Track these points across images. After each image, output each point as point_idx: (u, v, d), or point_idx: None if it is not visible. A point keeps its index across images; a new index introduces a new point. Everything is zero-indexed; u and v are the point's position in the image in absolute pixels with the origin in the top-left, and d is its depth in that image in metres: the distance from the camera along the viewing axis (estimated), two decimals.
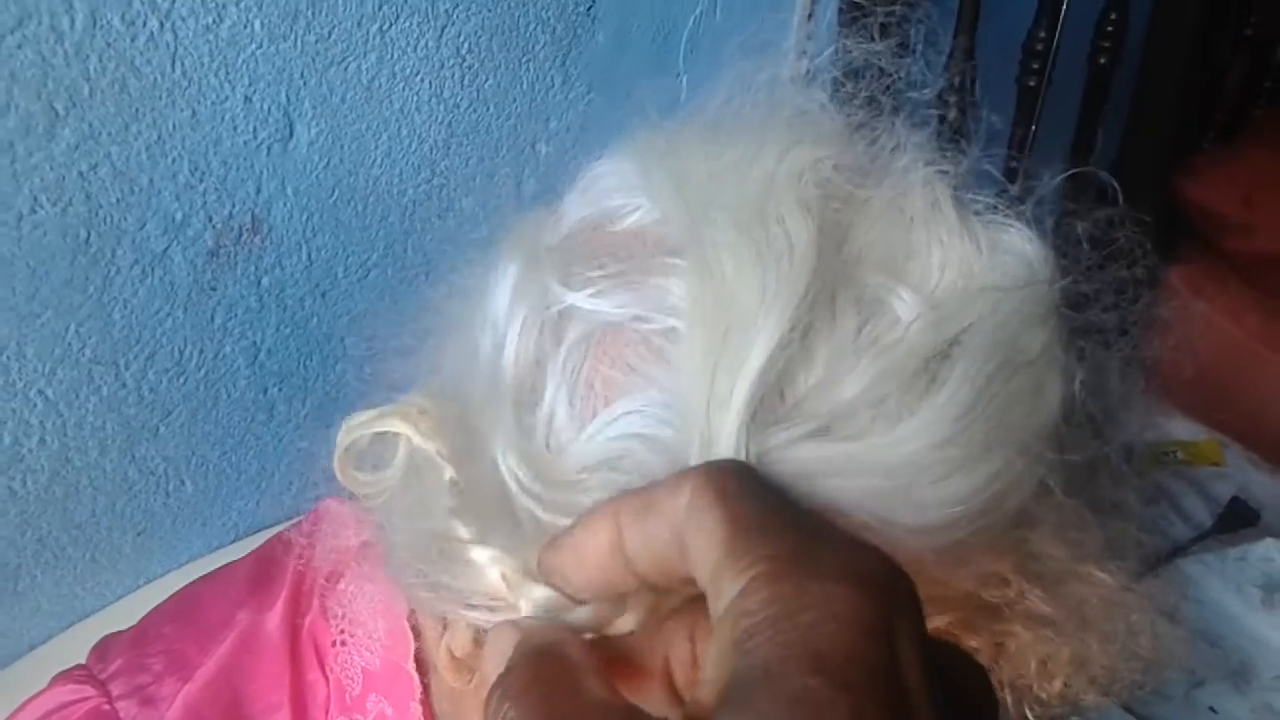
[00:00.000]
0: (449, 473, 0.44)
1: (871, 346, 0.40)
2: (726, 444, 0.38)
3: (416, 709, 0.57)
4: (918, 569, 0.42)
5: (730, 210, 0.42)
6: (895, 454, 0.39)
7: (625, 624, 0.39)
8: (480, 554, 0.42)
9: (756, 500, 0.33)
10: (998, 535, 0.45)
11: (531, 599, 0.40)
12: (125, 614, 0.68)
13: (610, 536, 0.35)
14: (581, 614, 0.39)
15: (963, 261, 0.44)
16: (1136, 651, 0.52)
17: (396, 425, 0.47)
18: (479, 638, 0.48)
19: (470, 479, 0.44)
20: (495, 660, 0.35)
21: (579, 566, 0.36)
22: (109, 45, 0.68)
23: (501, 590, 0.42)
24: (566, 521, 0.38)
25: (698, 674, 0.36)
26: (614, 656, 0.36)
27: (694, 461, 0.39)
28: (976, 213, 0.46)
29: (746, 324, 0.39)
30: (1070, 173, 0.52)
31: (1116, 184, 0.53)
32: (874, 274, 0.42)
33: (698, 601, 0.34)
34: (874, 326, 0.41)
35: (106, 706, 0.58)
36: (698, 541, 0.32)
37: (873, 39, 0.51)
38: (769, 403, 0.39)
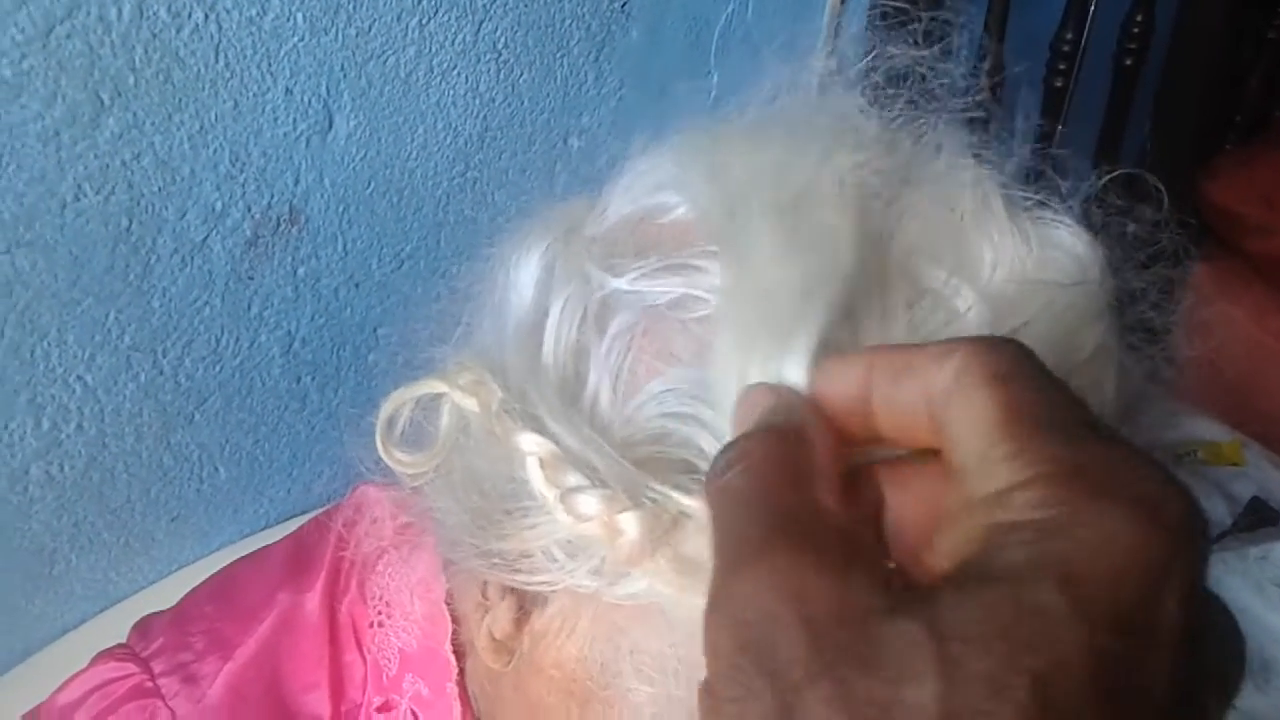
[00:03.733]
0: (499, 393, 0.44)
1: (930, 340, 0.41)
2: None
3: (452, 689, 0.58)
4: None
5: (770, 203, 0.42)
6: None
7: None
8: (527, 441, 0.42)
9: (1037, 388, 0.30)
10: None
11: (571, 505, 0.41)
12: (157, 599, 0.69)
13: (858, 385, 0.34)
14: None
15: (1014, 259, 0.44)
16: None
17: (436, 386, 0.47)
18: (520, 618, 0.49)
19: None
20: (746, 416, 0.35)
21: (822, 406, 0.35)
22: (155, 36, 0.69)
23: (550, 545, 0.43)
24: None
25: (912, 535, 0.33)
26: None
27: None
28: (1026, 209, 0.46)
29: (787, 307, 0.39)
30: (1116, 173, 0.52)
31: (1161, 186, 0.53)
32: (929, 269, 0.43)
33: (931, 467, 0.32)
34: (930, 321, 0.41)
35: (149, 683, 0.59)
36: (963, 417, 0.30)
37: (915, 43, 0.52)
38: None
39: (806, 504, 0.30)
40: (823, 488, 0.31)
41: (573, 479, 0.41)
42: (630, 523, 0.40)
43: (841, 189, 0.43)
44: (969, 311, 0.42)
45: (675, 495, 0.40)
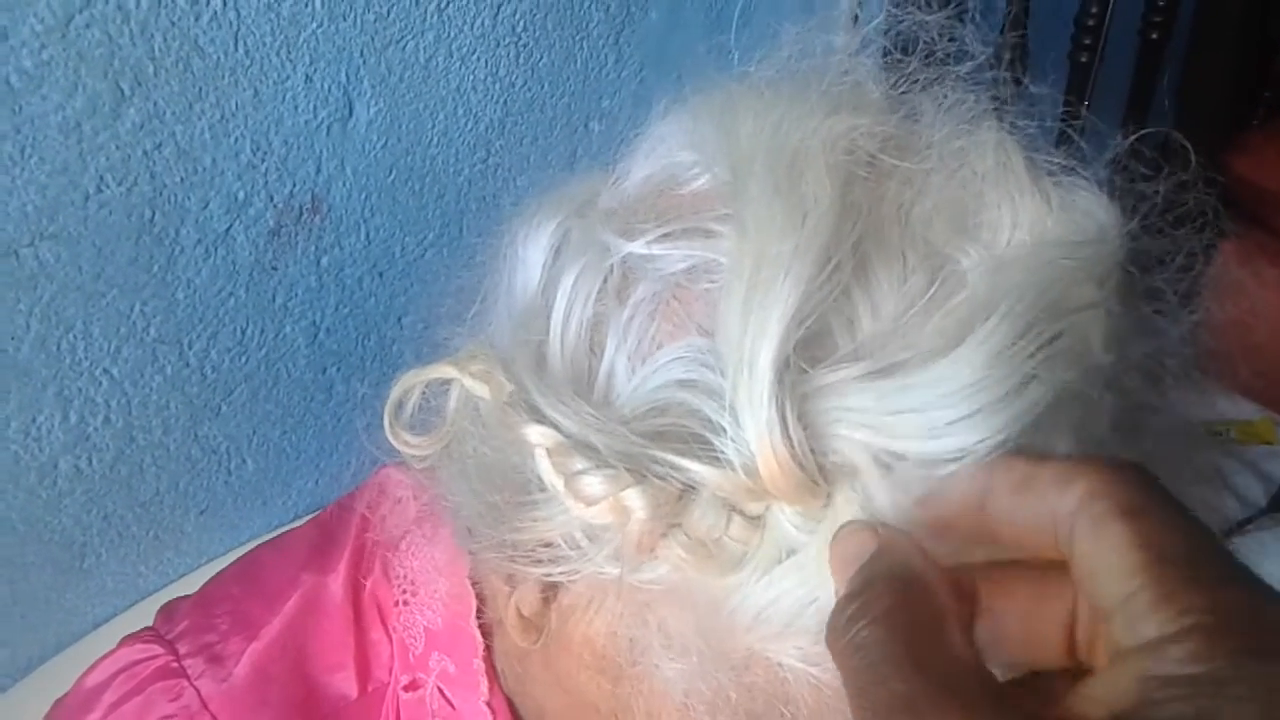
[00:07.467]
0: (508, 386, 0.44)
1: (945, 302, 0.41)
2: (762, 381, 0.38)
3: (479, 666, 0.58)
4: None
5: (768, 165, 0.42)
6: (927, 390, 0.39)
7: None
8: (533, 433, 0.42)
9: (1172, 524, 0.30)
10: None
11: (578, 489, 0.40)
12: (187, 591, 0.69)
13: (978, 491, 0.34)
14: None
15: (1034, 220, 0.44)
16: None
17: (448, 371, 0.47)
18: (547, 596, 0.48)
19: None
20: (844, 566, 0.34)
21: (935, 508, 0.35)
22: (174, 24, 0.68)
23: (570, 531, 0.43)
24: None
25: (1011, 647, 0.34)
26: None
27: (742, 401, 0.39)
28: (1050, 173, 0.46)
29: (773, 279, 0.39)
30: (1141, 133, 0.52)
31: (1189, 145, 0.52)
32: (945, 232, 0.43)
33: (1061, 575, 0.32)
34: (944, 284, 0.41)
35: (175, 664, 0.59)
36: (1096, 552, 0.30)
37: (937, 7, 0.51)
38: (817, 346, 0.40)
39: (951, 658, 0.30)
40: (955, 635, 0.31)
41: (578, 463, 0.41)
42: (635, 499, 0.40)
43: (831, 154, 0.43)
44: (973, 271, 0.42)
45: (682, 462, 0.40)
